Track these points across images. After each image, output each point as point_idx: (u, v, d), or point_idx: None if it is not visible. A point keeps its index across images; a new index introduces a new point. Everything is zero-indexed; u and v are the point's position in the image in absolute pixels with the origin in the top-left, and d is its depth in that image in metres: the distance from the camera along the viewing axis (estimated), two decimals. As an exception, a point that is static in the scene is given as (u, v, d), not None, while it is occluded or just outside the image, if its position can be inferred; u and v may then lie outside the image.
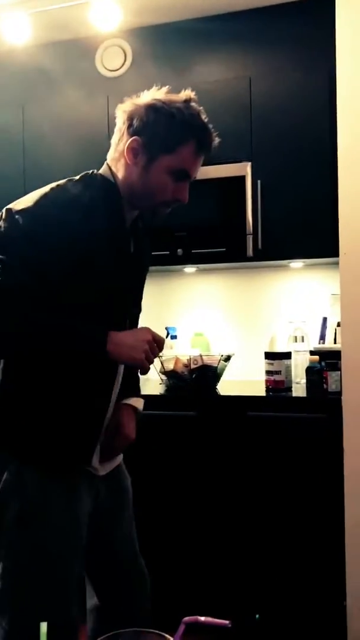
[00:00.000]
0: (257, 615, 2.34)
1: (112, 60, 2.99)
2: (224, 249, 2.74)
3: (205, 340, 3.14)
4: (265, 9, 2.75)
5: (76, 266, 1.29)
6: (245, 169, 2.71)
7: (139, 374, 1.54)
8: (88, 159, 2.97)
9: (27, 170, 3.07)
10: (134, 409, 1.55)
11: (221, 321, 3.17)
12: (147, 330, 1.35)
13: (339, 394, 2.37)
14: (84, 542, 1.41)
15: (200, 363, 2.66)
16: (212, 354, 2.78)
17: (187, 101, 1.42)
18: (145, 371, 1.35)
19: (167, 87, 1.47)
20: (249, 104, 2.75)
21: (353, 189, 2.30)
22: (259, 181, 2.70)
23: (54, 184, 1.39)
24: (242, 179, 2.70)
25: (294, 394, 2.57)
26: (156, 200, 1.41)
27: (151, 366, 1.39)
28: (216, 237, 2.74)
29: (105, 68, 3.00)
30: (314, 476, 2.40)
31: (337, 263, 2.36)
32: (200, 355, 2.69)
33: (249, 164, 2.71)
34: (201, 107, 1.45)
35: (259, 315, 3.12)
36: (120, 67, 2.97)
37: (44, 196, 1.35)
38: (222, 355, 2.72)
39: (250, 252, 2.72)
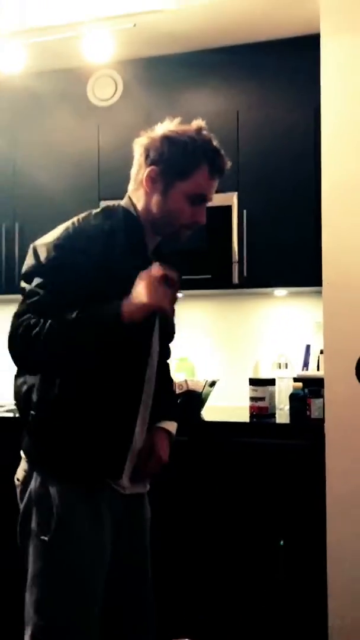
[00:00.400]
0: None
1: (103, 90, 3.05)
2: (210, 276, 2.78)
3: (190, 365, 3.17)
4: (254, 45, 2.84)
5: (101, 294, 1.35)
6: (232, 199, 2.77)
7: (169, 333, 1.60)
8: (79, 186, 3.04)
9: (18, 197, 3.11)
10: (168, 432, 1.60)
11: (206, 347, 3.20)
12: (149, 271, 1.35)
13: (321, 421, 2.39)
14: (108, 559, 1.45)
15: (185, 388, 2.68)
16: (197, 380, 2.81)
17: (199, 130, 1.52)
18: (167, 313, 1.38)
19: (178, 118, 1.57)
20: (236, 137, 2.82)
21: (336, 220, 2.36)
22: (244, 211, 2.75)
23: (75, 218, 1.47)
24: (228, 208, 2.76)
25: (278, 420, 2.60)
26: (176, 224, 1.48)
27: None
28: (203, 264, 2.79)
29: (97, 97, 3.06)
30: (297, 502, 2.42)
31: (320, 292, 2.41)
32: (186, 381, 2.72)
33: (236, 194, 2.77)
34: (212, 134, 1.54)
35: (243, 342, 3.15)
36: (111, 97, 3.04)
37: (67, 229, 1.43)
38: (207, 381, 2.74)
39: (235, 279, 2.77)
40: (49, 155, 3.08)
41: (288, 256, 2.72)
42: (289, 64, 2.80)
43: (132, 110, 2.99)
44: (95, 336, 1.32)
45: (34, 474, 1.44)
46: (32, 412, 1.43)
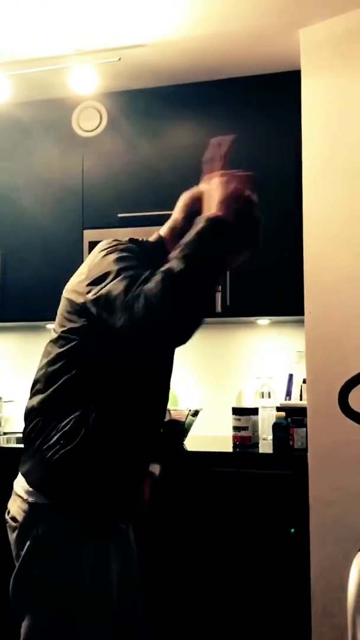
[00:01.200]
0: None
1: (88, 121, 3.09)
2: (193, 305, 2.79)
3: (172, 394, 3.15)
4: (236, 79, 2.91)
5: None
6: (214, 228, 2.79)
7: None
8: (63, 215, 3.05)
9: (1, 226, 3.11)
10: (151, 474, 1.60)
11: (189, 375, 3.19)
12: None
13: (304, 450, 2.39)
14: (115, 602, 1.39)
15: (168, 417, 2.67)
16: (180, 409, 2.79)
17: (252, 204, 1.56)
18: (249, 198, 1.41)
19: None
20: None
21: (317, 250, 2.40)
22: (228, 240, 2.78)
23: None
24: (211, 238, 2.79)
25: (261, 450, 2.58)
26: None
27: None
28: (186, 293, 2.79)
29: (81, 128, 3.09)
30: (280, 532, 2.39)
31: (302, 321, 2.43)
32: (168, 410, 2.70)
33: (219, 224, 2.80)
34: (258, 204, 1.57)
35: (226, 371, 3.15)
36: (96, 128, 3.07)
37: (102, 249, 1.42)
38: (190, 410, 2.73)
39: (218, 308, 2.78)
40: (34, 184, 3.09)
41: (271, 285, 2.74)
42: (270, 98, 2.86)
43: (116, 141, 3.03)
44: (210, 244, 1.29)
45: (40, 514, 1.34)
46: (57, 443, 1.35)
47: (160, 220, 2.84)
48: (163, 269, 1.25)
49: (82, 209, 3.00)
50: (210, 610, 2.45)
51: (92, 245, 2.92)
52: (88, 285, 1.35)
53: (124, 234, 2.88)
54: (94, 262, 1.39)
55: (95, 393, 1.38)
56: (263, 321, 3.08)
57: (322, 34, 2.46)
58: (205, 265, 1.27)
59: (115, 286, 1.28)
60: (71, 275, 2.89)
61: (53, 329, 1.48)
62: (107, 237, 2.94)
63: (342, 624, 2.22)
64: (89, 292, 1.34)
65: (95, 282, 1.33)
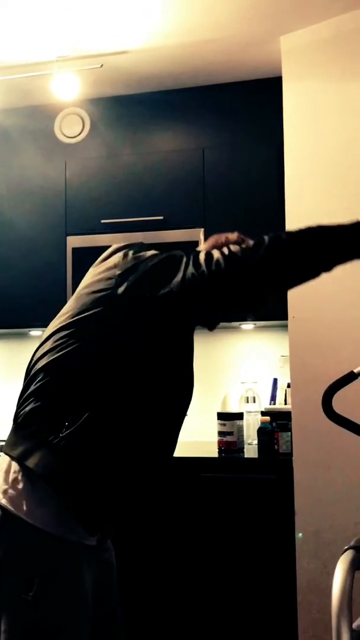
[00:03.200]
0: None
1: (71, 127, 3.09)
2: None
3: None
4: (218, 86, 2.92)
5: None
6: (198, 234, 2.81)
7: None
8: (45, 222, 3.04)
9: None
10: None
11: (174, 381, 3.19)
12: None
13: (289, 455, 2.40)
14: (90, 614, 1.35)
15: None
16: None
17: None
18: None
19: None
20: (202, 174, 2.87)
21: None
22: (211, 246, 2.79)
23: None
24: (195, 244, 2.80)
25: (246, 455, 2.59)
26: None
27: None
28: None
29: (64, 134, 3.09)
30: (266, 536, 2.40)
31: (286, 326, 2.44)
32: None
33: (202, 230, 2.81)
34: None
35: (211, 376, 3.15)
36: (78, 134, 3.07)
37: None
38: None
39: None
40: (17, 191, 3.08)
41: (254, 291, 2.75)
42: (252, 104, 2.88)
43: (99, 147, 3.03)
44: (328, 240, 1.26)
45: (12, 522, 1.29)
46: (67, 431, 1.29)
47: (143, 226, 2.89)
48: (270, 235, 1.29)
49: (65, 216, 3.00)
50: (199, 613, 2.44)
51: (76, 251, 2.92)
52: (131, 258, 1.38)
53: (108, 240, 2.89)
54: (120, 258, 1.41)
55: (105, 389, 1.34)
56: (247, 326, 3.09)
57: (302, 40, 2.48)
58: (303, 254, 1.29)
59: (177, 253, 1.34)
60: (55, 281, 2.91)
61: (61, 318, 1.42)
62: (90, 244, 3.01)
63: (328, 628, 2.23)
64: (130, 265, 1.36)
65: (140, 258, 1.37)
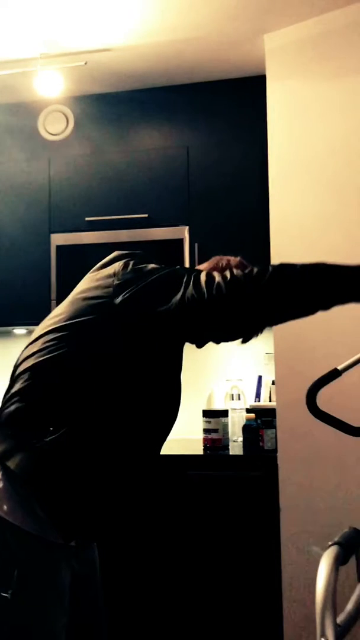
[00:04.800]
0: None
1: (55, 124, 3.07)
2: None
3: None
4: (203, 84, 2.93)
5: None
6: (183, 232, 2.81)
7: None
8: (29, 219, 3.03)
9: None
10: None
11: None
12: None
13: (274, 451, 2.41)
14: (67, 612, 1.34)
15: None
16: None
17: None
18: None
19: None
20: (186, 172, 2.88)
21: (284, 252, 2.43)
22: (196, 244, 2.80)
23: None
24: (180, 242, 2.80)
25: (231, 452, 2.60)
26: None
27: None
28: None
29: (48, 132, 3.08)
30: (251, 533, 2.41)
31: (271, 323, 2.45)
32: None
33: (187, 227, 2.81)
34: None
35: (196, 373, 3.16)
36: (62, 132, 3.06)
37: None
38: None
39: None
40: (0, 188, 3.06)
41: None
42: (236, 102, 2.89)
43: (83, 145, 3.02)
44: (331, 279, 1.23)
45: None
46: (51, 433, 1.29)
47: (128, 224, 2.88)
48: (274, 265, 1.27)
49: (49, 213, 2.98)
50: (185, 609, 2.44)
51: (60, 249, 2.91)
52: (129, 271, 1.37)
53: (92, 238, 2.89)
54: (120, 266, 1.39)
55: (97, 391, 1.34)
56: (232, 324, 3.09)
57: (286, 39, 2.49)
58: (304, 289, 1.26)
59: (180, 270, 1.32)
60: (39, 279, 2.88)
61: (54, 320, 1.41)
62: (74, 241, 3.00)
63: (313, 627, 2.24)
64: (126, 277, 1.35)
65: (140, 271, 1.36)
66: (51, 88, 2.78)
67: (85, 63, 2.72)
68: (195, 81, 2.92)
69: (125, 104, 3.00)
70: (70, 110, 3.05)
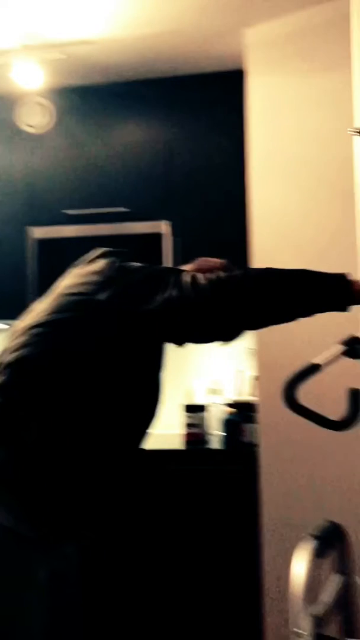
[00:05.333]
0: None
1: (34, 117, 3.03)
2: (143, 303, 2.78)
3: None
4: (183, 77, 2.91)
5: None
6: (163, 227, 2.80)
7: None
8: (8, 213, 2.99)
9: None
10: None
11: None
12: None
13: (254, 445, 2.42)
14: (44, 607, 1.33)
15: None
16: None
17: None
18: None
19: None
20: (166, 166, 2.86)
21: (265, 245, 2.44)
22: (176, 239, 2.79)
23: None
24: (159, 236, 2.79)
25: (212, 446, 2.60)
26: None
27: None
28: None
29: (27, 124, 3.04)
30: (232, 526, 2.42)
31: (251, 318, 2.45)
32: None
33: (167, 222, 2.80)
34: None
35: (176, 368, 3.15)
36: (42, 124, 3.02)
37: None
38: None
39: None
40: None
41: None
42: (217, 96, 2.88)
43: (62, 137, 2.99)
44: (314, 286, 1.25)
45: None
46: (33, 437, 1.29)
47: (107, 218, 2.86)
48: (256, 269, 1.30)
49: (28, 206, 2.95)
50: (165, 603, 2.45)
51: (39, 243, 2.89)
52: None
53: (71, 231, 2.86)
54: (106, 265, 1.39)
55: (79, 388, 1.33)
56: (213, 318, 3.09)
57: (266, 34, 2.49)
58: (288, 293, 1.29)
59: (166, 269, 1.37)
60: (16, 273, 2.84)
61: (37, 315, 1.40)
62: (53, 235, 2.97)
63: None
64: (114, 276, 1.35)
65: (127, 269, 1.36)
66: (31, 80, 2.75)
67: (66, 55, 2.69)
68: (176, 75, 2.91)
69: (106, 97, 2.98)
70: (50, 103, 3.02)
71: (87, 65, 2.83)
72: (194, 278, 1.28)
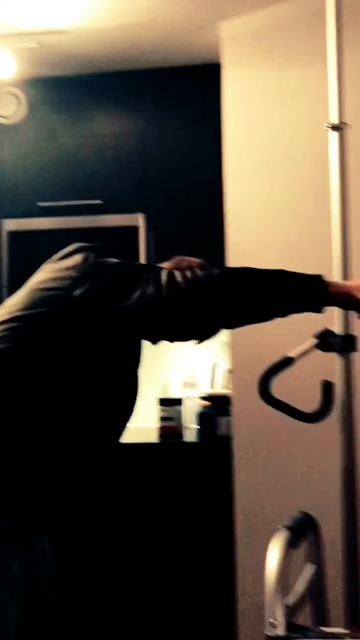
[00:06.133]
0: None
1: (6, 107, 2.99)
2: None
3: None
4: (159, 70, 2.90)
5: None
6: (138, 219, 2.79)
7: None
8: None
9: None
10: None
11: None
12: None
13: (229, 438, 2.43)
14: (19, 601, 1.32)
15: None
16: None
17: None
18: None
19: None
20: (141, 158, 2.85)
21: (240, 238, 2.45)
22: (151, 232, 2.78)
23: None
24: (135, 229, 2.78)
25: (187, 439, 2.61)
26: None
27: None
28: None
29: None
30: (206, 517, 2.43)
31: (225, 311, 2.46)
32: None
33: (142, 215, 2.79)
34: None
35: (151, 362, 3.14)
36: (14, 115, 2.98)
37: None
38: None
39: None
40: None
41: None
42: (193, 89, 2.87)
43: (36, 128, 2.95)
44: (290, 287, 1.26)
45: None
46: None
47: (82, 210, 2.84)
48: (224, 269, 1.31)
49: (0, 198, 2.91)
50: (139, 596, 2.46)
51: (12, 235, 2.85)
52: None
53: (44, 224, 2.83)
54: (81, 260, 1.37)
55: (49, 382, 1.32)
56: (187, 312, 3.10)
57: (242, 28, 2.49)
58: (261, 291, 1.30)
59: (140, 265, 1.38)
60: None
61: (9, 309, 1.39)
62: (26, 227, 2.93)
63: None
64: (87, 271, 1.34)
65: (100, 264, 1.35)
66: (3, 69, 2.70)
67: (38, 45, 2.65)
68: (151, 67, 2.89)
69: (80, 88, 2.95)
70: (22, 93, 2.98)
71: (60, 56, 2.80)
72: (170, 275, 1.27)
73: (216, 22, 2.53)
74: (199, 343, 1.46)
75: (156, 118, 2.90)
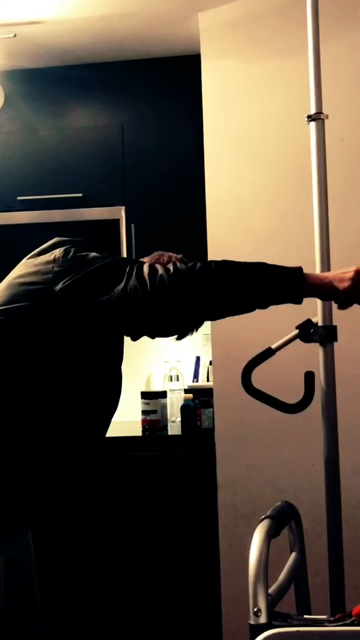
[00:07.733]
0: None
1: (-16, 99, 2.95)
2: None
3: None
4: (138, 61, 2.88)
5: None
6: (119, 212, 2.77)
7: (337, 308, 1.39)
8: None
9: None
10: None
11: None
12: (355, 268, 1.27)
13: (212, 430, 2.44)
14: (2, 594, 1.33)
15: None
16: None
17: None
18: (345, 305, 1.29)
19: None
20: (121, 151, 2.83)
21: (220, 229, 2.45)
22: (132, 225, 2.77)
23: None
24: (116, 222, 2.76)
25: (170, 432, 2.61)
26: None
27: None
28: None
29: (-23, 107, 2.95)
30: (190, 509, 2.44)
31: (207, 304, 2.46)
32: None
33: (123, 208, 2.78)
34: None
35: (134, 356, 3.14)
36: (-7, 107, 2.95)
37: None
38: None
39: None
40: None
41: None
42: (172, 80, 2.85)
43: (14, 121, 2.92)
44: (269, 279, 1.26)
45: None
46: None
47: (62, 204, 2.82)
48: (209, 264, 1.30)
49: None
50: (125, 589, 2.46)
51: (-9, 229, 2.82)
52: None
53: (24, 217, 2.81)
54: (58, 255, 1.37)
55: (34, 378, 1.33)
56: (170, 305, 3.09)
57: (220, 19, 2.48)
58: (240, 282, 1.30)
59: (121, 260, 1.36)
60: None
61: None
62: (6, 221, 2.90)
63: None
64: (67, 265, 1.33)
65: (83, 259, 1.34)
66: (-21, 61, 2.67)
67: (15, 35, 2.62)
68: (130, 58, 2.87)
69: (58, 80, 2.92)
70: (0, 86, 2.94)
71: (37, 47, 2.77)
72: (151, 268, 1.27)
73: (195, 13, 2.52)
74: (178, 339, 1.46)
75: (136, 110, 2.88)
